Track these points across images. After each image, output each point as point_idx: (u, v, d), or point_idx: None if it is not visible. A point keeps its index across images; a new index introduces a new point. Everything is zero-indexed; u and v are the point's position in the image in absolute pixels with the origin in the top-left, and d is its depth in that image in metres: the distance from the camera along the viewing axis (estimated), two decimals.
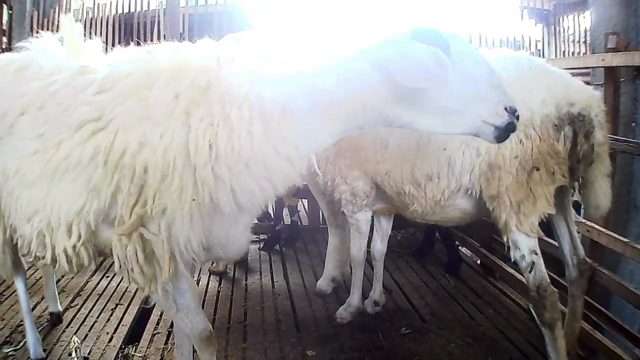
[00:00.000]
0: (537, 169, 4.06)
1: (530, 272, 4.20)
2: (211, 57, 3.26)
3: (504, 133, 3.17)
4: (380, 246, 5.68)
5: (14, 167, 3.42)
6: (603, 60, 5.31)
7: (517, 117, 3.17)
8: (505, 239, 4.28)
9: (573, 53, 11.36)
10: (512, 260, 4.31)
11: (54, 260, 3.47)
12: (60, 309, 5.32)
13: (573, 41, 11.42)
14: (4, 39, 10.27)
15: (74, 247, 3.36)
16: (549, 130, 4.04)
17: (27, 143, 3.37)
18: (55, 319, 5.23)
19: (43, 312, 5.38)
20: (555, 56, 11.73)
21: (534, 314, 4.60)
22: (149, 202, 3.07)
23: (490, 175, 4.17)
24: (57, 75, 3.43)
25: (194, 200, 3.05)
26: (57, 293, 5.32)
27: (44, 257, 3.51)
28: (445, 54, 3.03)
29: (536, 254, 4.19)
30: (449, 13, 12.59)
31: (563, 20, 11.70)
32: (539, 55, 11.89)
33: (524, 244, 4.18)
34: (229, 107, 3.06)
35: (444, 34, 3.14)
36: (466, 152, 4.23)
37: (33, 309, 4.64)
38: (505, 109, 3.13)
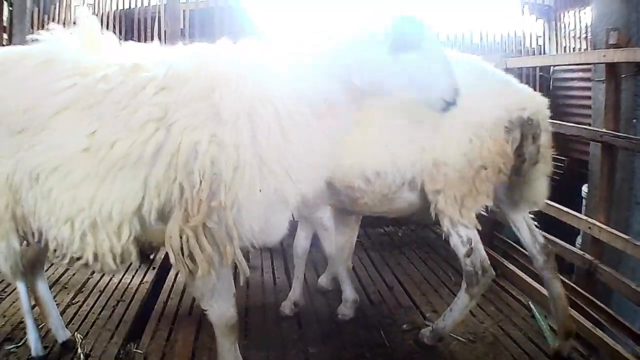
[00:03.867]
0: (485, 168, 4.38)
1: (468, 257, 4.56)
2: (272, 62, 3.59)
3: None
4: (304, 243, 5.77)
5: (51, 166, 3.35)
6: (604, 56, 5.31)
7: None
8: (445, 229, 4.59)
9: (574, 49, 11.30)
10: (452, 245, 4.63)
11: (95, 260, 3.51)
12: (69, 334, 4.83)
13: (574, 37, 11.36)
14: (4, 35, 10.26)
15: (123, 245, 3.45)
16: (500, 132, 4.37)
17: (74, 141, 3.32)
18: (69, 345, 4.74)
19: None
20: (556, 52, 11.67)
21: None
22: (221, 195, 3.25)
23: (435, 171, 4.46)
24: (100, 71, 3.42)
25: (260, 191, 3.30)
26: (61, 319, 4.87)
27: (80, 258, 3.52)
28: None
29: (474, 241, 4.56)
30: (449, 7, 12.57)
31: (564, 16, 11.65)
32: (540, 51, 11.86)
33: (464, 233, 4.51)
34: (290, 105, 3.39)
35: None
36: (410, 148, 4.48)
37: (33, 307, 4.61)
38: None
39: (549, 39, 11.85)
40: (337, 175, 4.68)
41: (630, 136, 5.22)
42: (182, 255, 3.38)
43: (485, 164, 4.39)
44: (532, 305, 5.70)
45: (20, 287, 4.41)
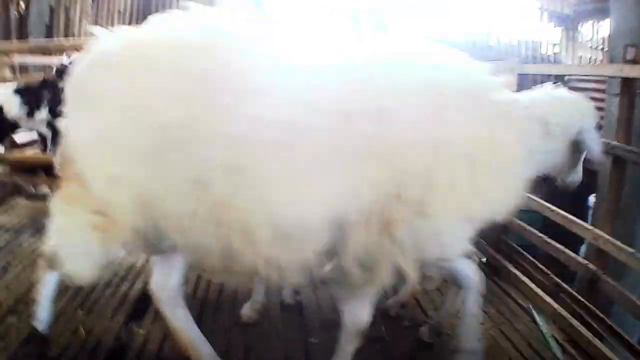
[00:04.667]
0: None
1: None
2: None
3: None
4: None
5: (229, 165, 2.77)
6: (621, 70, 5.31)
7: None
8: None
9: (589, 59, 11.32)
10: None
11: (277, 274, 3.06)
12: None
13: (590, 47, 11.37)
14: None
15: (316, 256, 3.02)
16: None
17: (261, 130, 2.75)
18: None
19: None
20: (572, 60, 11.69)
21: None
22: (430, 204, 2.96)
23: None
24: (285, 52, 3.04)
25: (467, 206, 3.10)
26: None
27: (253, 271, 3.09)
28: None
29: None
30: (468, 9, 12.58)
31: (582, 26, 11.66)
32: (555, 59, 11.87)
33: None
34: (524, 123, 3.38)
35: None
36: None
37: None
38: None
39: (566, 47, 11.86)
40: None
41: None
42: (361, 262, 3.04)
43: None
44: (534, 311, 5.72)
45: (52, 277, 4.06)
